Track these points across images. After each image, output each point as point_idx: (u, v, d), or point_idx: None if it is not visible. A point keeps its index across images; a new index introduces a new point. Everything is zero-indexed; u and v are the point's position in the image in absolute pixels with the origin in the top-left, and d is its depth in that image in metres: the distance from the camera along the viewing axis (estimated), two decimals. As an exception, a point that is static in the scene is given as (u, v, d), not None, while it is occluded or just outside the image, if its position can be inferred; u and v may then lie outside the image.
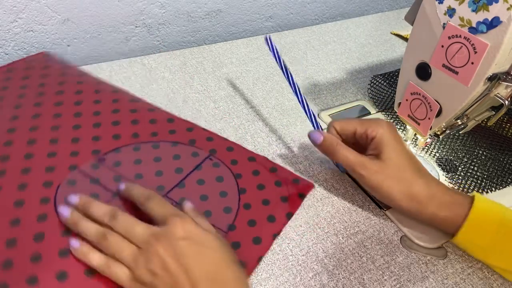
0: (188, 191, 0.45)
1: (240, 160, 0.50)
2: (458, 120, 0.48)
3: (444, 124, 0.47)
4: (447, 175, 0.53)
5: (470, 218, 0.41)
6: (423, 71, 0.45)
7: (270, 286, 0.40)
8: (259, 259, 0.42)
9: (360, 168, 0.43)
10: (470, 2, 0.38)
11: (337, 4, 0.92)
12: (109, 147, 0.48)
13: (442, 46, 0.42)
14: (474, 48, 0.39)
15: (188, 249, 0.34)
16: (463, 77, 0.41)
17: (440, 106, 0.45)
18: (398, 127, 0.60)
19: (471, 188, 0.52)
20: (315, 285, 0.41)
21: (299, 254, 0.43)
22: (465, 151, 0.57)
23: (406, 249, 0.45)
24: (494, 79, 0.40)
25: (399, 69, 0.49)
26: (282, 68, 0.51)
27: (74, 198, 0.40)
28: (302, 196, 0.49)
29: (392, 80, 0.68)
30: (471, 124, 0.50)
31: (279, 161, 0.53)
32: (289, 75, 0.50)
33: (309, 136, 0.47)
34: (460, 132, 0.59)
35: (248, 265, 0.41)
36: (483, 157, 0.56)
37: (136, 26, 0.72)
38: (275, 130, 0.58)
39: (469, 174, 0.54)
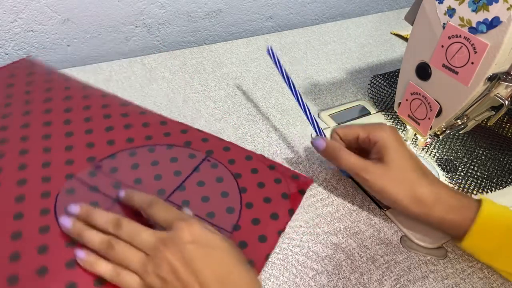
0: (189, 193, 0.45)
1: (238, 160, 0.50)
2: (458, 120, 0.48)
3: (444, 124, 0.47)
4: (447, 175, 0.53)
5: (478, 222, 0.40)
6: (423, 71, 0.45)
7: (270, 286, 0.40)
8: (267, 257, 0.42)
9: (364, 173, 0.43)
10: (470, 2, 0.38)
11: (337, 4, 0.92)
12: (104, 154, 0.47)
13: (442, 46, 0.42)
14: (474, 48, 0.39)
15: (196, 253, 0.34)
16: (463, 77, 0.41)
17: (440, 106, 0.45)
18: (398, 127, 0.60)
19: (471, 188, 0.52)
20: (315, 285, 0.41)
21: (299, 254, 0.43)
22: (465, 151, 0.57)
23: (406, 249, 0.45)
24: (494, 79, 0.40)
25: (399, 69, 0.49)
26: (284, 79, 0.52)
27: (75, 208, 0.39)
28: (302, 192, 0.49)
29: (392, 80, 0.68)
30: (471, 124, 0.50)
31: (279, 161, 0.52)
32: (292, 85, 0.51)
33: (312, 143, 0.48)
34: (460, 132, 0.59)
35: (256, 263, 0.41)
36: (483, 157, 0.56)
37: (136, 26, 0.72)
38: (275, 130, 0.58)
39: (469, 174, 0.54)
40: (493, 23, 0.37)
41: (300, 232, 0.45)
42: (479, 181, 0.53)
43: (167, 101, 0.60)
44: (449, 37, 0.41)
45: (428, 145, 0.57)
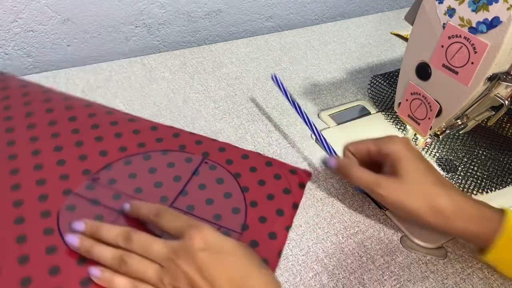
0: (193, 197, 0.45)
1: (235, 159, 0.50)
2: (458, 120, 0.48)
3: (444, 124, 0.47)
4: (447, 175, 0.53)
5: (504, 234, 0.38)
6: (423, 71, 0.45)
7: (270, 286, 0.40)
8: (279, 253, 0.42)
9: (377, 188, 0.42)
10: (470, 2, 0.38)
11: (337, 4, 0.92)
12: (98, 165, 0.46)
13: (442, 46, 0.42)
14: (474, 48, 0.39)
15: (209, 260, 0.33)
16: (463, 77, 0.41)
17: (440, 106, 0.45)
18: (398, 127, 0.60)
19: (471, 188, 0.52)
20: (315, 285, 0.41)
21: (299, 254, 0.43)
22: (465, 151, 0.57)
23: (406, 249, 0.45)
24: (494, 79, 0.40)
25: (399, 69, 0.49)
26: (291, 102, 0.52)
27: (80, 225, 0.38)
28: (302, 185, 0.49)
29: (392, 80, 0.68)
30: (471, 124, 0.50)
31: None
32: (299, 108, 0.51)
33: (324, 162, 0.47)
34: (460, 132, 0.59)
35: (270, 261, 0.41)
36: (483, 157, 0.56)
37: (136, 26, 0.72)
38: (275, 130, 0.58)
39: (469, 174, 0.54)
40: (493, 23, 0.37)
41: (300, 232, 0.45)
42: (479, 181, 0.53)
43: (167, 101, 0.60)
44: (449, 37, 0.41)
45: (428, 145, 0.57)
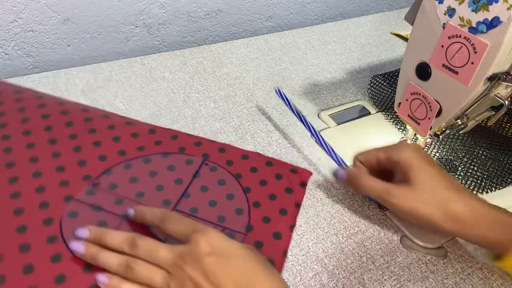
0: (195, 200, 0.45)
1: (235, 160, 0.50)
2: (458, 120, 0.48)
3: (444, 124, 0.47)
4: (447, 175, 0.53)
5: None
6: (423, 71, 0.45)
7: (270, 286, 0.40)
8: (285, 253, 0.42)
9: (389, 196, 0.41)
10: (470, 2, 0.38)
11: (337, 4, 0.92)
12: (98, 170, 0.46)
13: (442, 46, 0.42)
14: (474, 48, 0.39)
15: (215, 265, 0.33)
16: (463, 77, 0.41)
17: (440, 106, 0.45)
18: (398, 127, 0.60)
19: (471, 188, 0.52)
20: (315, 285, 0.41)
21: (299, 254, 0.43)
22: (465, 151, 0.57)
23: (406, 249, 0.45)
24: (494, 79, 0.40)
25: (399, 69, 0.49)
26: (297, 116, 0.52)
27: (84, 232, 0.38)
28: (303, 184, 0.49)
29: (392, 80, 0.68)
30: (471, 124, 0.50)
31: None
32: (305, 121, 0.51)
33: (334, 174, 0.47)
34: (460, 132, 0.59)
35: (276, 261, 0.41)
36: (483, 157, 0.56)
37: (136, 26, 0.72)
38: (275, 130, 0.58)
39: (469, 174, 0.54)
40: (493, 23, 0.37)
41: (300, 232, 0.45)
42: (479, 181, 0.53)
43: (167, 101, 0.60)
44: (449, 37, 0.41)
45: (428, 145, 0.57)
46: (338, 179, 0.46)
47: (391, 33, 0.84)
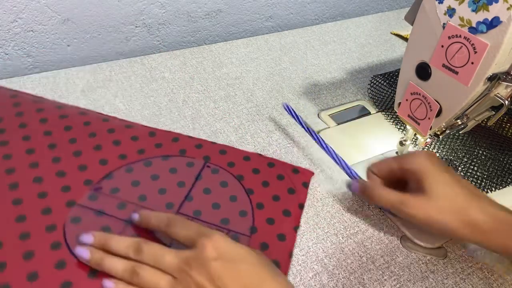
0: (198, 202, 0.44)
1: (237, 162, 0.50)
2: (458, 120, 0.48)
3: (444, 124, 0.47)
4: (447, 175, 0.53)
5: None
6: (423, 71, 0.45)
7: (270, 286, 0.40)
8: (290, 255, 0.42)
9: (405, 207, 0.40)
10: (470, 2, 0.38)
11: (337, 4, 0.92)
12: (99, 174, 0.45)
13: (442, 46, 0.42)
14: (474, 48, 0.39)
15: (222, 269, 0.33)
16: (463, 77, 0.41)
17: (440, 106, 0.45)
18: (398, 127, 0.60)
19: (471, 188, 0.52)
20: (315, 285, 0.41)
21: (299, 254, 0.43)
22: (465, 151, 0.57)
23: (406, 249, 0.45)
24: (494, 79, 0.40)
25: (399, 69, 0.49)
26: (306, 130, 0.52)
27: (88, 237, 0.38)
28: (305, 184, 0.49)
29: (392, 80, 0.68)
30: (471, 124, 0.50)
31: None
32: (318, 137, 0.51)
33: (348, 187, 0.46)
34: (460, 132, 0.59)
35: (281, 263, 0.41)
36: (483, 157, 0.56)
37: (136, 26, 0.72)
38: (275, 130, 0.58)
39: (469, 174, 0.54)
40: (493, 23, 0.37)
41: (300, 232, 0.45)
42: (479, 181, 0.53)
43: (167, 101, 0.60)
44: (449, 37, 0.41)
45: (428, 145, 0.57)
46: (352, 192, 0.46)
47: (391, 33, 0.84)
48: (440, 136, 0.49)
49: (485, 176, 0.54)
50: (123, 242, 0.37)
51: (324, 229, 0.46)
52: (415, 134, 0.53)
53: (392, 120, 0.61)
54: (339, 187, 0.51)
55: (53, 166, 0.45)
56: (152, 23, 0.73)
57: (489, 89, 0.41)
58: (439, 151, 0.57)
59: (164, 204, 0.44)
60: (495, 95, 0.42)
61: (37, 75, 0.60)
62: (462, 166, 0.55)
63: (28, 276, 0.36)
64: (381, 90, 0.66)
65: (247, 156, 0.51)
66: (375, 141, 0.58)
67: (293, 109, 0.54)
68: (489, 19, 0.37)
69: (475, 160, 0.56)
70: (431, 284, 0.42)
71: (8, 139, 0.47)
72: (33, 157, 0.46)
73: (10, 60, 0.65)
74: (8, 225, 0.39)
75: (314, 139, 0.51)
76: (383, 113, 0.62)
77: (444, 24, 0.41)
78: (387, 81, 0.68)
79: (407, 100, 0.49)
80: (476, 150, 0.57)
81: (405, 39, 0.82)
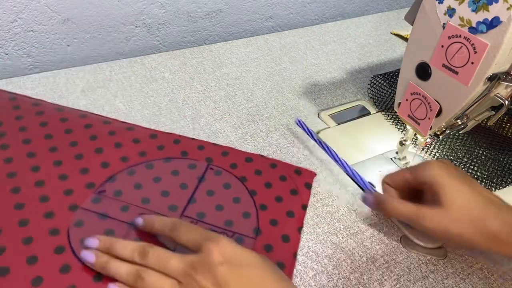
0: (202, 205, 0.44)
1: (239, 163, 0.50)
2: (458, 120, 0.48)
3: (444, 124, 0.47)
4: (447, 175, 0.53)
5: None
6: (423, 71, 0.45)
7: (270, 286, 0.40)
8: (295, 256, 0.42)
9: (421, 220, 0.39)
10: (470, 2, 0.38)
11: (337, 4, 0.92)
12: (101, 177, 0.45)
13: (442, 46, 0.42)
14: (474, 48, 0.39)
15: (228, 274, 0.33)
16: (463, 77, 0.41)
17: (440, 106, 0.45)
18: (398, 127, 0.60)
19: (471, 188, 0.52)
20: (315, 285, 0.41)
21: (299, 254, 0.43)
22: (465, 151, 0.57)
23: (406, 249, 0.45)
24: (494, 79, 0.40)
25: (399, 69, 0.49)
26: (319, 144, 0.52)
27: (93, 241, 0.38)
28: (308, 185, 0.49)
29: (392, 80, 0.68)
30: (471, 124, 0.50)
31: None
32: (331, 152, 0.51)
33: (363, 201, 0.45)
34: (460, 132, 0.59)
35: (286, 264, 0.41)
36: (483, 157, 0.56)
37: (136, 26, 0.72)
38: (275, 130, 0.58)
39: (469, 174, 0.54)
40: (493, 23, 0.37)
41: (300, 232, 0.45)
42: (479, 181, 0.53)
43: (167, 101, 0.60)
44: (449, 37, 0.41)
45: (428, 145, 0.57)
46: (367, 205, 0.45)
47: (391, 33, 0.84)
48: (440, 136, 0.49)
49: (485, 176, 0.54)
50: (128, 246, 0.36)
51: (324, 229, 0.46)
52: (415, 134, 0.53)
53: (392, 120, 0.61)
54: (339, 187, 0.51)
55: (54, 169, 0.45)
56: (152, 23, 0.73)
57: (489, 89, 0.41)
58: (439, 151, 0.57)
59: (167, 206, 0.44)
60: (495, 95, 0.42)
61: (37, 75, 0.60)
62: (462, 166, 0.55)
63: (32, 281, 0.36)
64: (381, 90, 0.66)
65: (249, 158, 0.50)
66: (375, 141, 0.58)
67: (305, 124, 0.54)
68: (489, 19, 0.37)
69: (475, 160, 0.56)
70: (431, 284, 0.42)
71: (9, 143, 0.47)
72: (34, 161, 0.45)
73: (10, 60, 0.65)
74: (11, 230, 0.39)
75: (328, 154, 0.51)
76: (383, 113, 0.62)
77: (444, 24, 0.41)
78: (387, 81, 0.68)
79: (407, 100, 0.49)
80: (476, 150, 0.57)
81: (405, 39, 0.82)
